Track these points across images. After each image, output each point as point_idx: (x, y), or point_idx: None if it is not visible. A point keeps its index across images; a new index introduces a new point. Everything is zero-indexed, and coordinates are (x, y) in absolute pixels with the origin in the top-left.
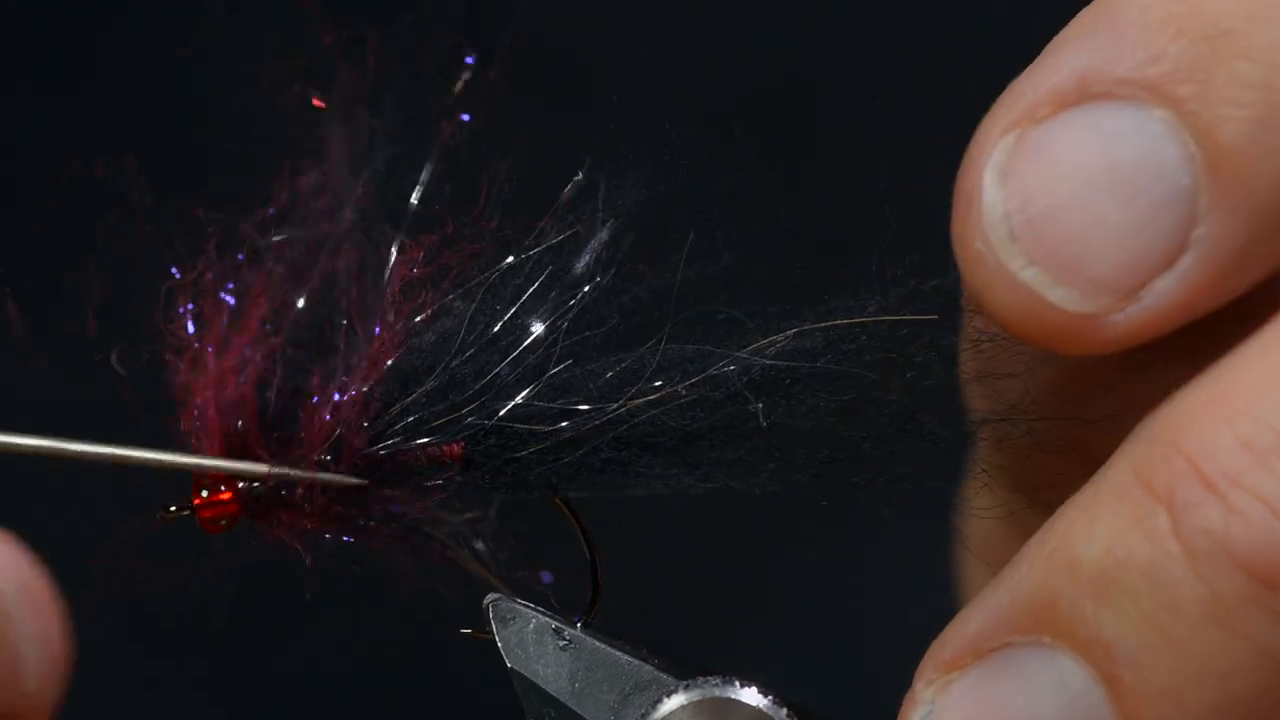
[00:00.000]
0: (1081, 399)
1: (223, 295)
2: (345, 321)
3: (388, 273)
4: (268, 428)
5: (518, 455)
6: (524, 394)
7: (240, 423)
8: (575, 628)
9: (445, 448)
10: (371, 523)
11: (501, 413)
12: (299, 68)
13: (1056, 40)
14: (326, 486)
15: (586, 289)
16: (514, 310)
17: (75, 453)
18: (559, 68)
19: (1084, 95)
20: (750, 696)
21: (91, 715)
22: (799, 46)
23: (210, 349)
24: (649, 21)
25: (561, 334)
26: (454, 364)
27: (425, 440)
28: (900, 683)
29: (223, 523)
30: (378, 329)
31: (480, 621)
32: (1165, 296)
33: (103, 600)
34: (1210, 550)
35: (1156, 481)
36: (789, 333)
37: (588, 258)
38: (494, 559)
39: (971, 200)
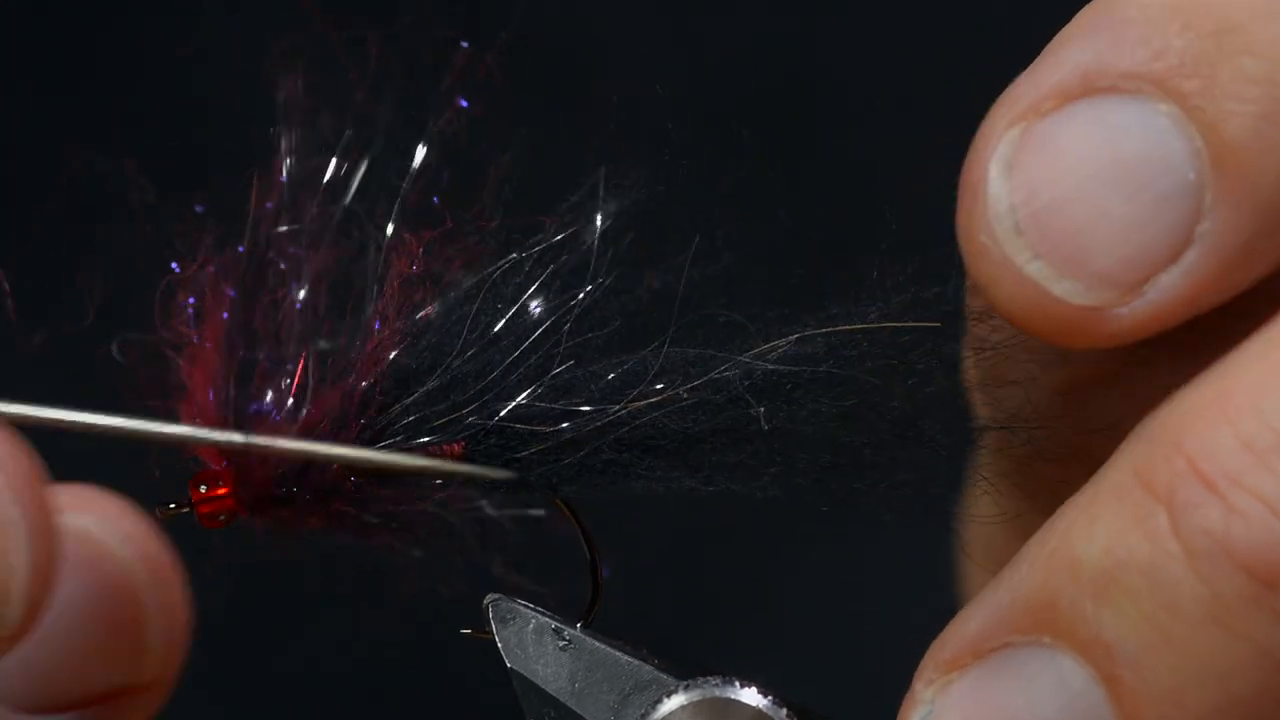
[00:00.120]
0: (1083, 406)
1: (222, 290)
2: (345, 319)
3: (384, 268)
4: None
5: (518, 456)
6: (525, 394)
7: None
8: (575, 628)
9: (445, 447)
10: (372, 522)
11: (502, 413)
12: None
13: (1062, 34)
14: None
15: (589, 288)
16: (515, 309)
17: (43, 419)
18: (559, 68)
19: (1089, 89)
20: (750, 697)
21: None
22: (799, 46)
23: (210, 344)
24: (649, 21)
25: (564, 335)
26: (455, 363)
27: (426, 440)
28: (900, 683)
29: (221, 518)
30: (377, 324)
31: (480, 621)
32: (1170, 291)
33: None
34: (1210, 550)
35: (1157, 481)
36: (791, 338)
37: (588, 258)
38: (495, 558)
39: (977, 193)
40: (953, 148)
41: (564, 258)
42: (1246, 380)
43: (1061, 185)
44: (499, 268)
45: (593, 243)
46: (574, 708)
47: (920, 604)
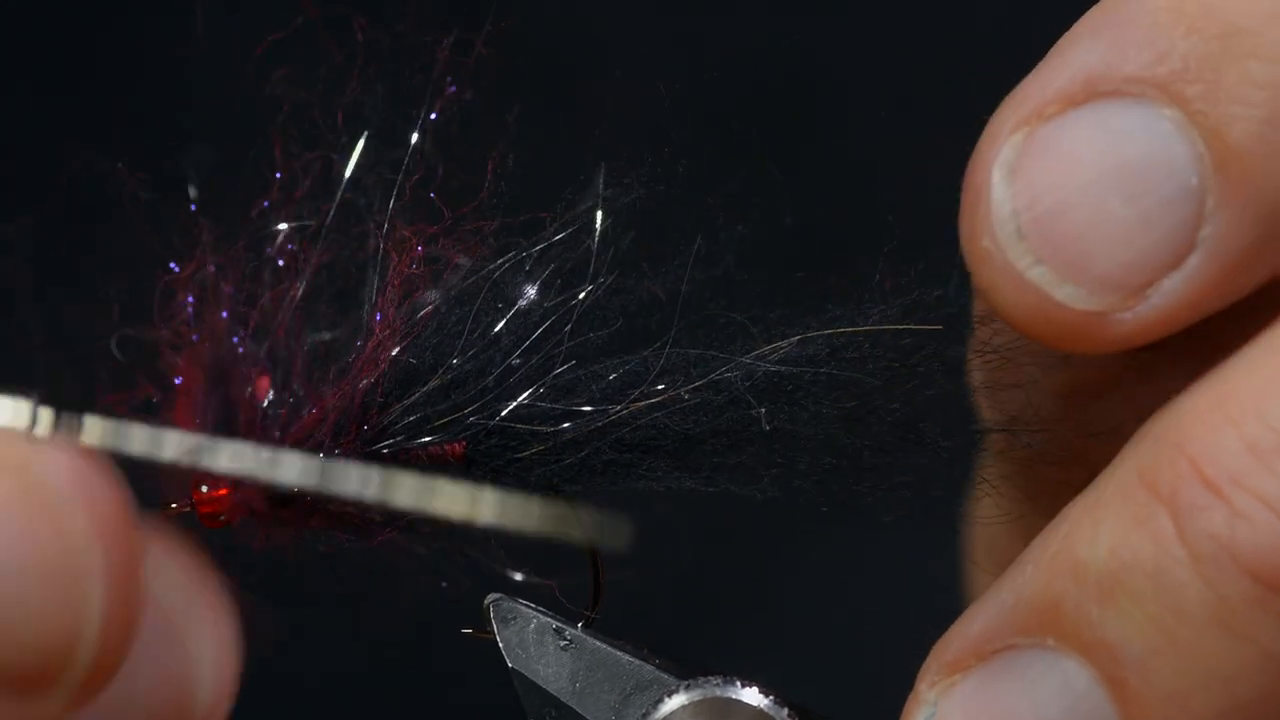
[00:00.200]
0: (1085, 409)
1: (222, 288)
2: (345, 317)
3: (384, 266)
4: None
5: (519, 456)
6: (527, 394)
7: (235, 414)
8: (576, 627)
9: (447, 447)
10: (372, 521)
11: (504, 413)
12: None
13: (1065, 38)
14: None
15: (589, 288)
16: (516, 309)
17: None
18: (559, 67)
19: (1092, 93)
20: (751, 696)
21: None
22: (799, 46)
23: (209, 342)
24: (649, 21)
25: (565, 335)
26: (455, 362)
27: (427, 439)
28: (900, 683)
29: (222, 518)
30: (378, 317)
31: (481, 621)
32: (1172, 295)
33: None
34: (1214, 553)
35: (1160, 484)
36: (793, 339)
37: (589, 257)
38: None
39: (980, 197)
40: (953, 149)
41: (565, 256)
42: (1250, 383)
43: (1064, 190)
44: (499, 266)
45: (593, 242)
46: (575, 707)
47: (920, 605)
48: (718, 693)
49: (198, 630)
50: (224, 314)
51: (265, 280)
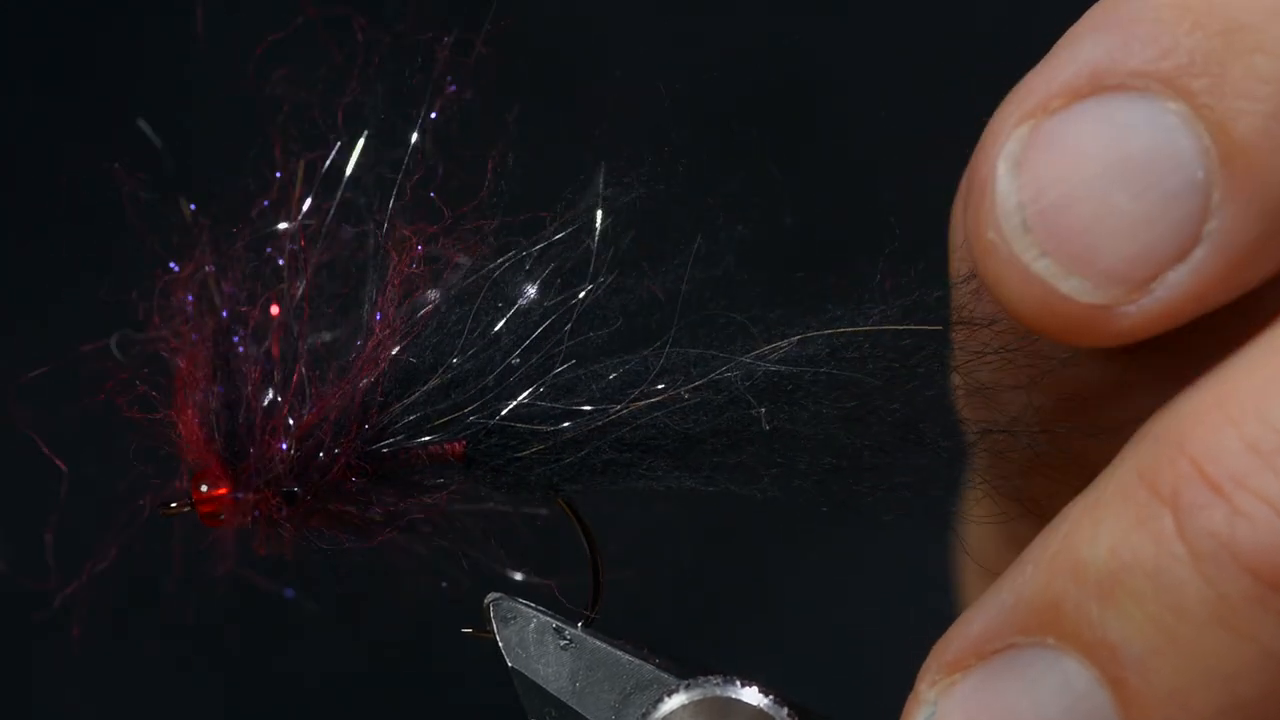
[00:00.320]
0: (1085, 410)
1: (222, 287)
2: (345, 316)
3: (384, 265)
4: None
5: (519, 455)
6: (526, 394)
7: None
8: (576, 627)
9: (447, 446)
10: (373, 521)
11: (504, 412)
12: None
13: (1069, 34)
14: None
15: (590, 287)
16: (515, 308)
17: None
18: (559, 67)
19: (1098, 87)
20: (751, 696)
21: (92, 714)
22: (799, 46)
23: (208, 342)
24: (649, 21)
25: (565, 334)
26: (455, 361)
27: (427, 439)
28: (900, 683)
29: (221, 517)
30: (378, 316)
31: (481, 621)
32: (1177, 289)
33: (103, 598)
34: (1215, 552)
35: (1161, 483)
36: (793, 339)
37: (589, 256)
38: (495, 558)
39: (985, 190)
40: (952, 149)
41: (565, 256)
42: (1250, 382)
43: (1069, 183)
44: (499, 266)
45: (593, 242)
46: (575, 707)
47: (920, 605)
48: (717, 692)
49: None
50: (224, 314)
51: (265, 280)
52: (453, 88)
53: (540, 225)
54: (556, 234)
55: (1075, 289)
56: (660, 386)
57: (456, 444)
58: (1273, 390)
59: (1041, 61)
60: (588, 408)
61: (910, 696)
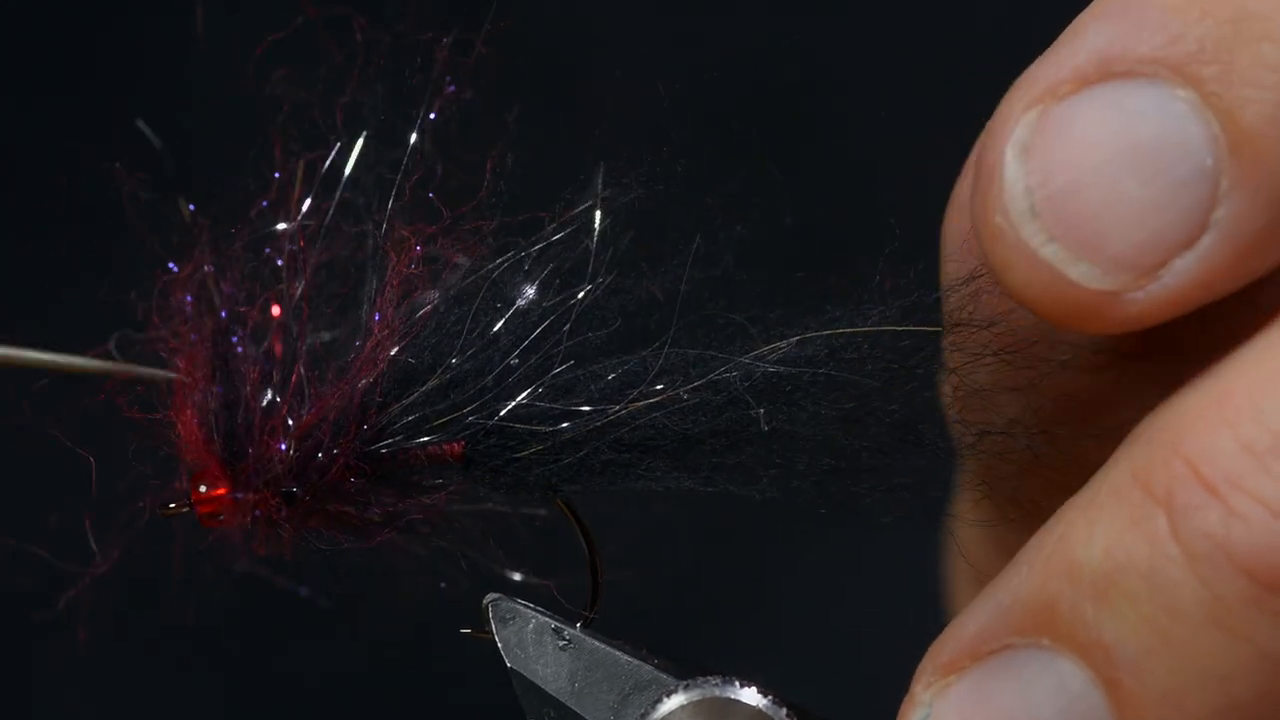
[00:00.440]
0: (1081, 411)
1: (221, 287)
2: (344, 316)
3: (383, 265)
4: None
5: (518, 455)
6: (525, 394)
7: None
8: (575, 627)
9: (446, 447)
10: (372, 521)
11: (502, 413)
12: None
13: (1076, 22)
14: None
15: (588, 288)
16: (514, 309)
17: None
18: (559, 67)
19: (1106, 73)
20: (750, 696)
21: (92, 714)
22: (799, 46)
23: (206, 342)
24: (649, 21)
25: (564, 334)
26: (454, 362)
27: (426, 439)
28: (899, 683)
29: (220, 517)
30: (377, 317)
31: (479, 621)
32: (1185, 276)
33: (102, 598)
34: (1210, 553)
35: (1156, 484)
36: (792, 340)
37: (588, 257)
38: (494, 558)
39: (993, 176)
40: (952, 149)
41: (564, 256)
42: (1246, 383)
43: (1078, 169)
44: (498, 266)
45: (592, 242)
46: (574, 707)
47: (919, 605)
48: (716, 692)
49: None
50: (223, 314)
51: (264, 280)
52: (452, 88)
53: (539, 226)
54: (555, 234)
55: (1083, 274)
56: (659, 387)
57: (455, 444)
58: (1268, 391)
59: (1050, 48)
60: (586, 408)
61: (906, 698)
